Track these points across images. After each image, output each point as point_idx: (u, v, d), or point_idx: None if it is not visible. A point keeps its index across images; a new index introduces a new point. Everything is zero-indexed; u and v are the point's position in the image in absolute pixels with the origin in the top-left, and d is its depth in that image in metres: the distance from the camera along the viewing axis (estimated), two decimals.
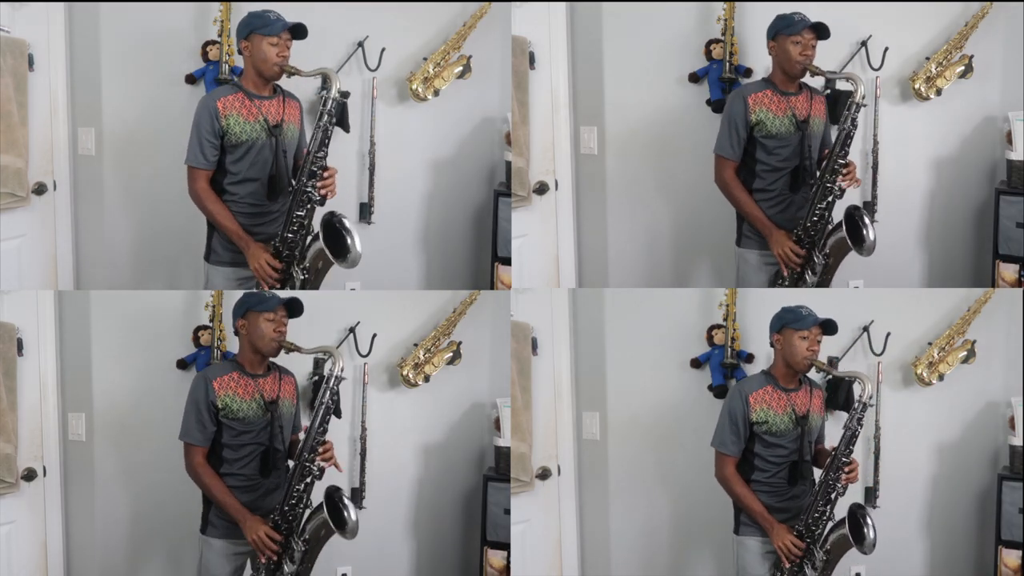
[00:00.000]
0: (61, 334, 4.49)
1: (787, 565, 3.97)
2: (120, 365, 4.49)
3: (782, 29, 4.11)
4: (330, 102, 3.92)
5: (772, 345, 4.06)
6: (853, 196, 4.50)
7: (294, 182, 3.97)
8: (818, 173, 4.14)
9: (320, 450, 3.88)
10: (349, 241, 3.94)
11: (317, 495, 3.92)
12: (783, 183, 4.16)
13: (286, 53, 3.94)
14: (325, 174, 3.95)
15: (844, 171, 4.11)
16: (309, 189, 3.93)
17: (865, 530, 3.96)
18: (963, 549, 4.69)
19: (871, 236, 4.11)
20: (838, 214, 4.15)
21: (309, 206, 3.95)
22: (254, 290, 3.97)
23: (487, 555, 4.55)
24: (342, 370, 3.91)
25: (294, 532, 3.88)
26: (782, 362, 4.03)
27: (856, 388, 3.99)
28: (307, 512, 3.90)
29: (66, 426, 4.51)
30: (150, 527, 4.53)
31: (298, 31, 3.96)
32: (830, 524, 3.99)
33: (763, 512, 3.99)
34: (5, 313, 4.40)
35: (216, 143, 3.94)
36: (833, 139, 4.16)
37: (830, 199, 4.12)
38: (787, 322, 3.99)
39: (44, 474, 4.47)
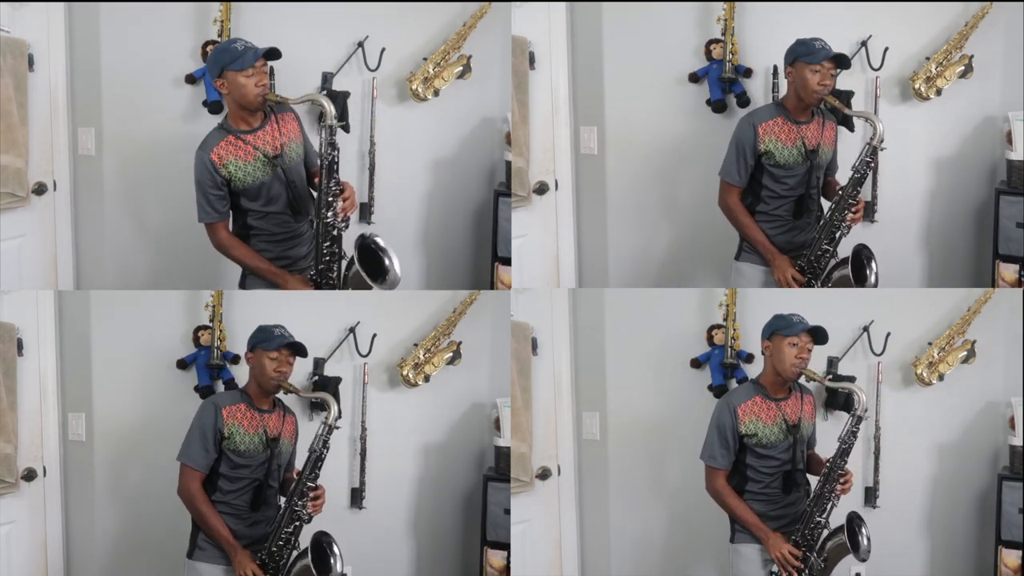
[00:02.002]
0: (61, 334, 4.49)
1: (784, 575, 3.95)
2: (120, 365, 4.49)
3: (802, 56, 4.02)
4: (328, 131, 3.85)
5: (762, 352, 4.04)
6: None
7: (314, 213, 3.92)
8: (826, 205, 4.13)
9: (311, 496, 3.87)
10: (387, 262, 3.89)
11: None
12: (786, 209, 4.15)
13: (264, 81, 3.82)
14: (343, 197, 3.89)
15: (854, 208, 4.09)
16: (330, 219, 3.87)
17: (860, 538, 3.97)
18: (963, 549, 4.68)
19: (873, 278, 4.12)
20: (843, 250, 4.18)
21: (335, 233, 3.90)
22: (264, 324, 3.92)
23: (487, 555, 4.55)
24: (336, 419, 3.89)
25: (280, 573, 3.88)
26: (772, 370, 4.00)
27: (853, 400, 3.98)
28: (294, 554, 3.90)
29: (66, 426, 4.51)
30: (150, 527, 4.53)
31: (271, 55, 3.83)
32: (826, 532, 3.99)
33: (757, 523, 3.96)
34: (5, 313, 4.40)
35: (223, 193, 3.86)
36: (843, 159, 4.16)
37: (837, 236, 4.12)
38: (777, 328, 3.96)
39: (44, 474, 4.47)
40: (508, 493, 4.49)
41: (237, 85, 3.79)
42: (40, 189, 4.52)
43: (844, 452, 3.93)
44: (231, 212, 3.94)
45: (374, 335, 4.55)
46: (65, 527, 4.53)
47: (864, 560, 4.00)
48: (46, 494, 4.48)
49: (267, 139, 3.89)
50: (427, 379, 4.61)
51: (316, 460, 3.86)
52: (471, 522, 4.68)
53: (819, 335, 3.95)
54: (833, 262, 4.14)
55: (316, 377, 4.43)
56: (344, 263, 3.94)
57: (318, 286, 3.93)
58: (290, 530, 3.86)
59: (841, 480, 3.94)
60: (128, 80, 4.55)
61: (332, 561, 3.90)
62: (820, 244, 4.11)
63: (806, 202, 4.14)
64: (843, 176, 4.20)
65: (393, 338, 4.60)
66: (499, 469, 4.55)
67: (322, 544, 3.90)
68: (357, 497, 4.57)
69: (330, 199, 3.87)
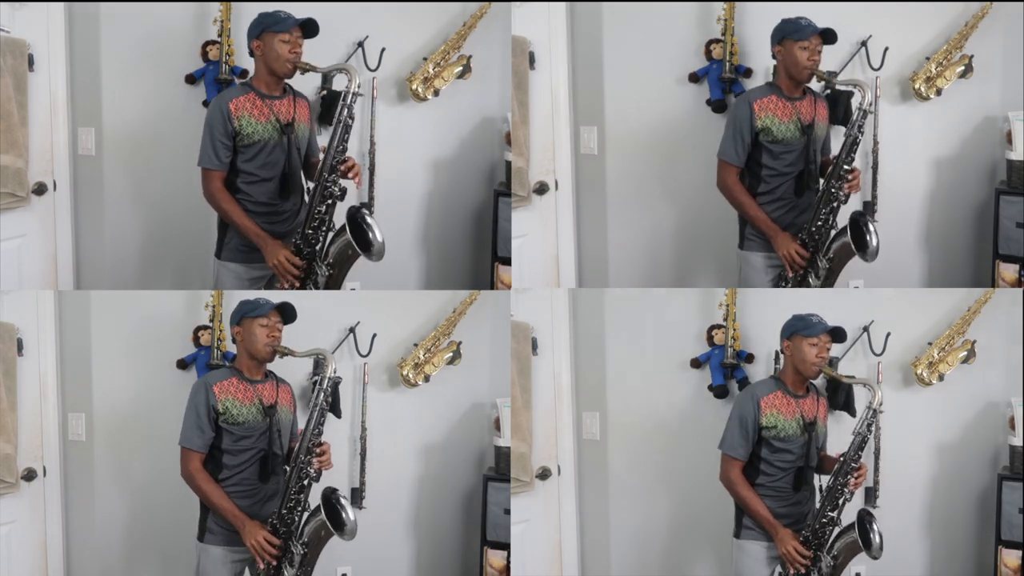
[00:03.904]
0: (61, 334, 4.49)
1: (792, 572, 3.96)
2: (120, 365, 4.49)
3: (790, 34, 4.08)
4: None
5: (782, 351, 4.07)
6: (853, 196, 4.50)
7: (310, 182, 3.99)
8: (823, 180, 4.14)
9: (317, 451, 3.88)
10: (371, 235, 3.97)
11: (316, 496, 3.93)
12: (788, 187, 4.16)
13: (298, 50, 3.98)
14: (343, 167, 3.97)
15: (849, 177, 4.11)
16: (330, 184, 3.96)
17: (871, 536, 3.97)
18: (963, 549, 4.68)
19: (875, 242, 4.12)
20: (841, 219, 4.15)
21: (330, 201, 3.97)
22: (248, 297, 3.96)
23: (487, 555, 4.55)
24: (335, 372, 3.93)
25: (293, 535, 3.88)
26: (792, 368, 4.04)
27: (866, 394, 4.00)
28: (305, 515, 3.90)
29: (66, 426, 4.51)
30: (150, 527, 4.53)
31: (309, 28, 3.98)
32: (837, 530, 3.99)
33: (768, 516, 3.98)
34: (5, 313, 4.40)
35: (229, 144, 3.97)
36: (837, 144, 4.16)
37: (835, 205, 4.12)
38: (797, 329, 4.01)
39: (44, 474, 4.47)
40: (508, 493, 4.49)
41: (272, 47, 3.96)
42: (40, 189, 4.52)
43: (859, 446, 3.95)
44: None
45: (374, 335, 4.55)
46: (65, 527, 4.53)
47: (876, 558, 4.01)
48: (46, 494, 4.48)
49: (283, 110, 4.02)
50: (427, 379, 4.61)
51: (320, 415, 3.87)
52: (471, 522, 4.68)
53: (838, 335, 4.02)
54: (833, 232, 4.15)
55: (316, 378, 4.42)
56: (331, 235, 4.01)
57: (299, 252, 3.98)
58: (298, 490, 3.86)
59: (855, 474, 3.95)
60: (128, 80, 4.55)
61: (344, 515, 3.89)
62: (818, 216, 4.13)
63: (806, 179, 4.15)
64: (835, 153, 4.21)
65: (393, 338, 4.60)
66: (499, 469, 4.55)
67: (331, 500, 3.89)
68: (357, 497, 4.57)
69: (335, 162, 3.95)
